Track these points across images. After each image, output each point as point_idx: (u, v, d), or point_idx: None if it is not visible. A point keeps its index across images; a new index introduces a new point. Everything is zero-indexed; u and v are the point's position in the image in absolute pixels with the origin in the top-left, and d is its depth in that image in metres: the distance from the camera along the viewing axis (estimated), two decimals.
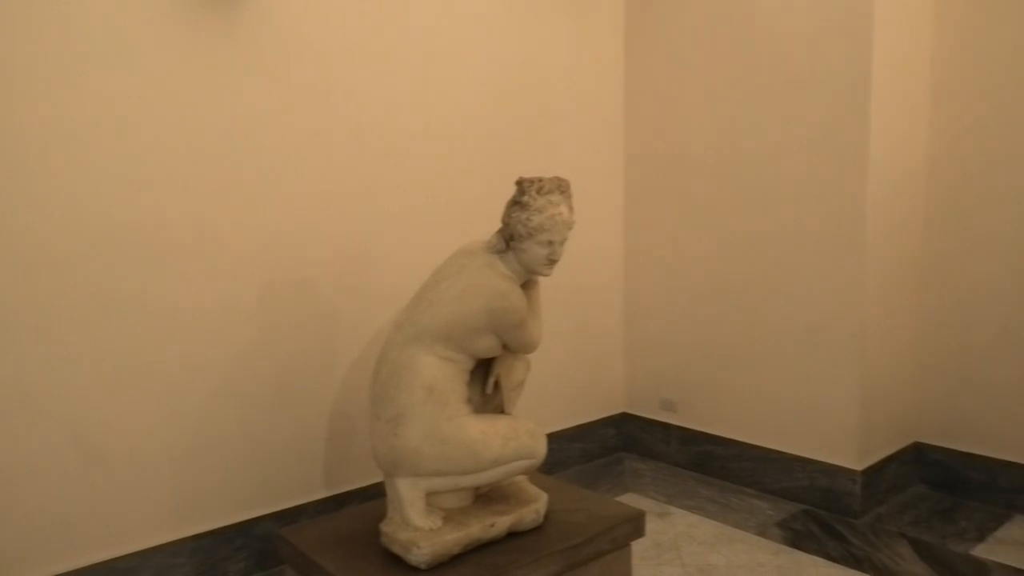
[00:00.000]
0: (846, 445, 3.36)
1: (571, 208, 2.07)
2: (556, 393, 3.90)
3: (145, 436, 2.59)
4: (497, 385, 2.23)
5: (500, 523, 2.20)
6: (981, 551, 3.04)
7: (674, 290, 3.96)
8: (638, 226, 4.10)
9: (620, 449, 4.25)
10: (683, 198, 3.88)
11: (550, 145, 3.75)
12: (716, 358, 3.81)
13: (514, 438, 2.17)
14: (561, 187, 2.05)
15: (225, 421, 2.78)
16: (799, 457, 3.50)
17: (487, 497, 2.32)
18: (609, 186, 4.09)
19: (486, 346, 2.09)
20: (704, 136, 3.76)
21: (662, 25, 3.88)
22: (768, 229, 3.54)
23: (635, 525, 2.45)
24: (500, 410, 2.28)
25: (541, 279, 2.24)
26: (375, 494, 3.01)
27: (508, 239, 2.07)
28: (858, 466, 3.33)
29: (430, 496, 2.16)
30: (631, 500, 3.59)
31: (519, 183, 2.04)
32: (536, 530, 2.31)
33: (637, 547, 2.71)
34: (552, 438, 3.85)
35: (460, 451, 2.07)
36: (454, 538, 2.09)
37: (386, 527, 2.16)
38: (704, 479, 3.83)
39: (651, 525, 3.27)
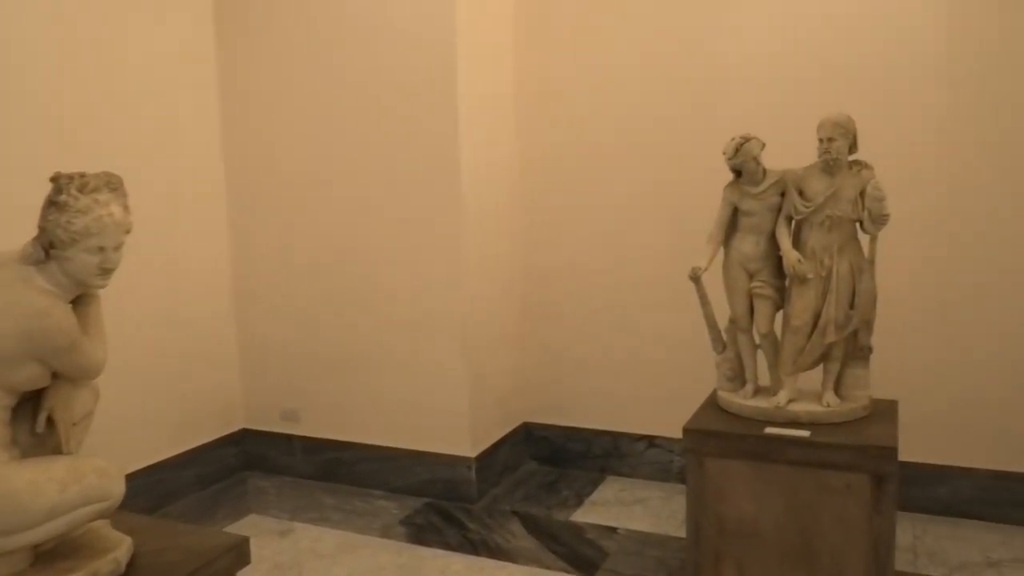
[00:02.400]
0: (461, 434, 3.49)
1: (127, 208, 1.80)
2: (160, 417, 3.51)
3: None
4: (51, 421, 1.89)
5: None
6: (579, 515, 3.35)
7: (287, 295, 3.80)
8: (245, 229, 3.86)
9: (243, 468, 3.97)
10: (288, 199, 3.74)
11: (135, 141, 3.35)
12: (334, 362, 3.73)
13: (76, 481, 1.84)
14: (111, 184, 1.77)
15: None
16: (420, 452, 3.57)
17: (52, 554, 1.95)
18: (207, 187, 3.78)
19: (27, 376, 1.75)
20: (303, 136, 3.66)
21: (255, 22, 3.68)
22: (371, 229, 3.56)
23: (238, 553, 2.24)
24: (59, 451, 1.93)
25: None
26: None
27: (47, 247, 1.74)
28: (472, 453, 3.48)
29: None
30: (252, 522, 3.36)
31: (55, 179, 1.73)
32: None
33: (255, 573, 2.52)
34: (159, 468, 3.48)
35: (1, 506, 1.70)
36: None
37: None
38: (331, 487, 3.73)
39: (272, 545, 3.09)
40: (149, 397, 3.42)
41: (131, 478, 2.14)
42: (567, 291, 3.79)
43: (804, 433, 2.45)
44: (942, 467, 3.18)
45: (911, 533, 3.07)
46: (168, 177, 3.50)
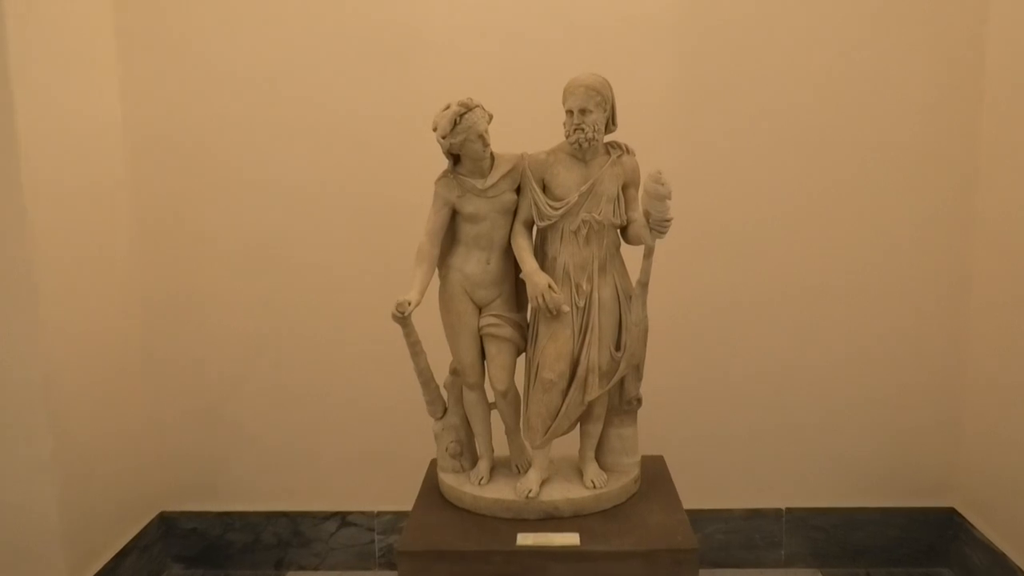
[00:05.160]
0: (49, 558, 2.26)
1: None
2: None
3: None
4: None
5: None
6: None
7: None
8: None
9: None
10: None
11: None
12: None
13: None
14: None
15: None
16: None
17: None
18: None
19: None
20: None
21: None
22: None
23: None
24: None
25: None
26: None
27: None
28: None
29: None
30: None
31: None
32: None
33: None
34: None
35: None
36: None
37: None
38: None
39: None
40: None
41: None
42: (215, 329, 2.68)
43: (572, 539, 1.69)
44: (696, 511, 2.66)
45: None
46: None
